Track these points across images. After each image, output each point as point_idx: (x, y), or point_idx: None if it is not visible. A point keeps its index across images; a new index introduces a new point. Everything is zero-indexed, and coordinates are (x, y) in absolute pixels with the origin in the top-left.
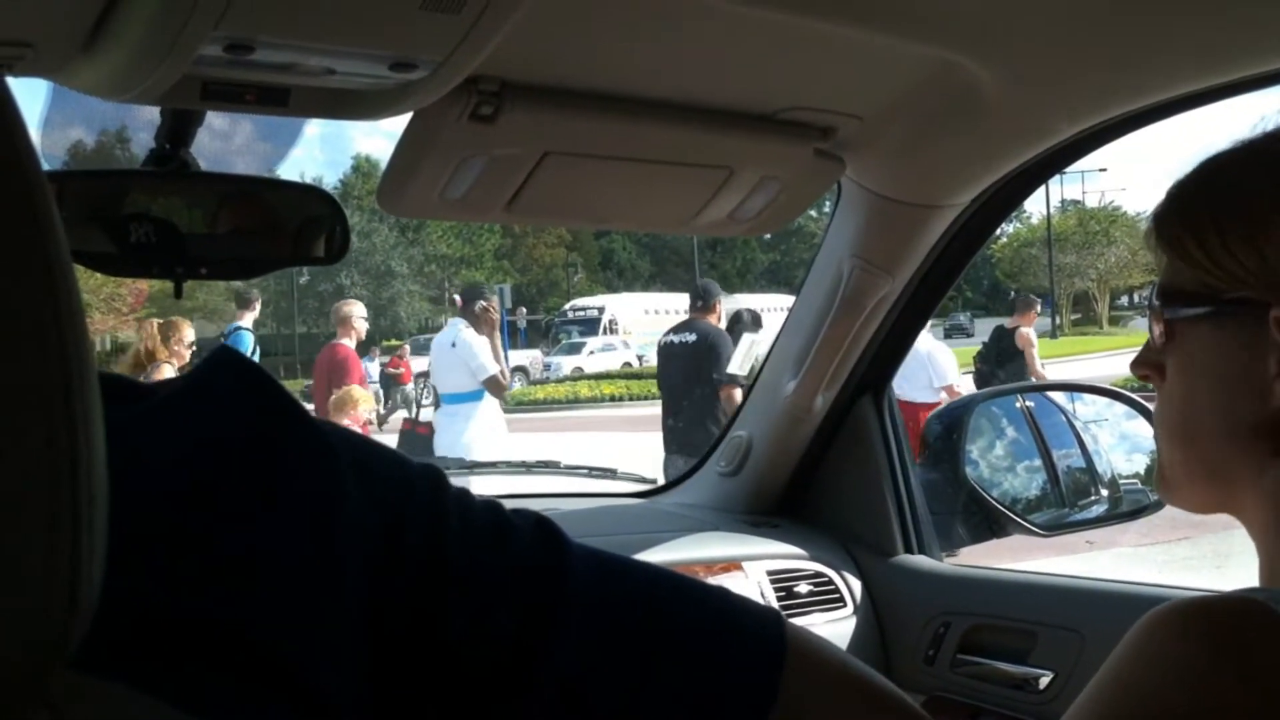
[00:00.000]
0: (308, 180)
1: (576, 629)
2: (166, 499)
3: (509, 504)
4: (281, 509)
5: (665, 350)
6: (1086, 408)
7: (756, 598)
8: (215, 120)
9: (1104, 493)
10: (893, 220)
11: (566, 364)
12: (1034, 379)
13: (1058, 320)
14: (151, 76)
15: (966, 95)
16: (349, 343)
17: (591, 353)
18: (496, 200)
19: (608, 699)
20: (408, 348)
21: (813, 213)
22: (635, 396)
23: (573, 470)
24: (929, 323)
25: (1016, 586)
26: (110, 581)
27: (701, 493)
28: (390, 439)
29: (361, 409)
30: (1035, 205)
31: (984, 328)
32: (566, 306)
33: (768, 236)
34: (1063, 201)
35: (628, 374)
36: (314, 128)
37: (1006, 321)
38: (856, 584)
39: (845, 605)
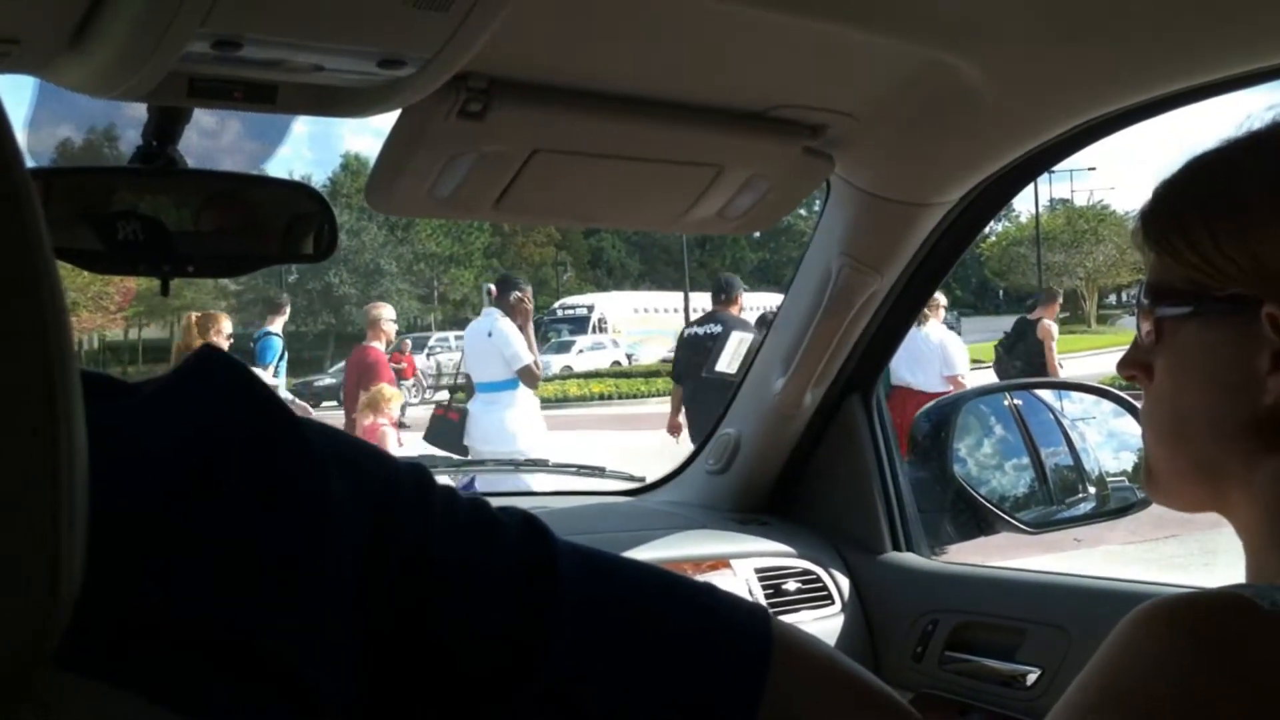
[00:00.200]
0: (297, 178)
1: (564, 627)
2: (155, 496)
3: (496, 502)
4: (272, 506)
5: (690, 341)
6: (1074, 405)
7: (745, 595)
8: (203, 118)
9: (1091, 490)
10: (881, 218)
11: (556, 362)
12: (1050, 373)
13: None
14: (138, 73)
15: (955, 93)
16: (379, 345)
17: (581, 351)
18: (485, 198)
19: (596, 697)
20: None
21: (802, 211)
22: (624, 395)
23: (561, 468)
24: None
25: (1004, 584)
26: (101, 579)
27: (690, 490)
28: (415, 429)
29: (393, 407)
30: (1024, 204)
31: (971, 326)
32: (556, 305)
33: (757, 235)
34: (1051, 200)
35: (617, 372)
36: (302, 125)
37: (1030, 313)
38: (845, 581)
39: (834, 603)
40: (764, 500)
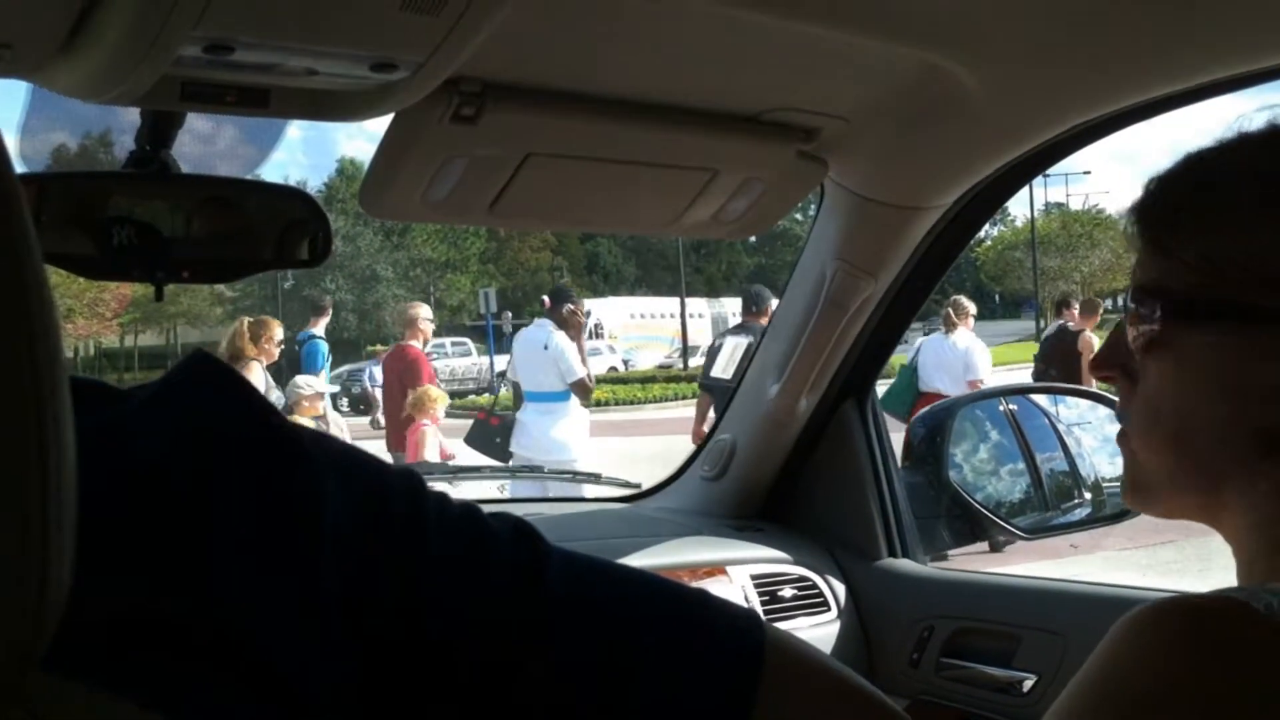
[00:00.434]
0: (292, 184)
1: (554, 632)
2: (144, 502)
3: (490, 509)
4: (262, 511)
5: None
6: (1069, 411)
7: (740, 602)
8: (197, 123)
9: (1087, 496)
10: (875, 222)
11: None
12: (1084, 384)
13: (1042, 323)
14: (130, 77)
15: (949, 97)
16: (417, 344)
17: None
18: (479, 202)
19: (586, 701)
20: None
21: (799, 216)
22: (620, 401)
23: (557, 475)
24: (911, 326)
25: (1000, 590)
26: (92, 584)
27: (685, 497)
28: (458, 429)
29: (439, 408)
30: (1019, 208)
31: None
32: None
33: (753, 239)
34: (1046, 204)
35: (613, 379)
36: (298, 130)
37: (1070, 323)
38: (840, 588)
39: (829, 609)
40: (759, 506)
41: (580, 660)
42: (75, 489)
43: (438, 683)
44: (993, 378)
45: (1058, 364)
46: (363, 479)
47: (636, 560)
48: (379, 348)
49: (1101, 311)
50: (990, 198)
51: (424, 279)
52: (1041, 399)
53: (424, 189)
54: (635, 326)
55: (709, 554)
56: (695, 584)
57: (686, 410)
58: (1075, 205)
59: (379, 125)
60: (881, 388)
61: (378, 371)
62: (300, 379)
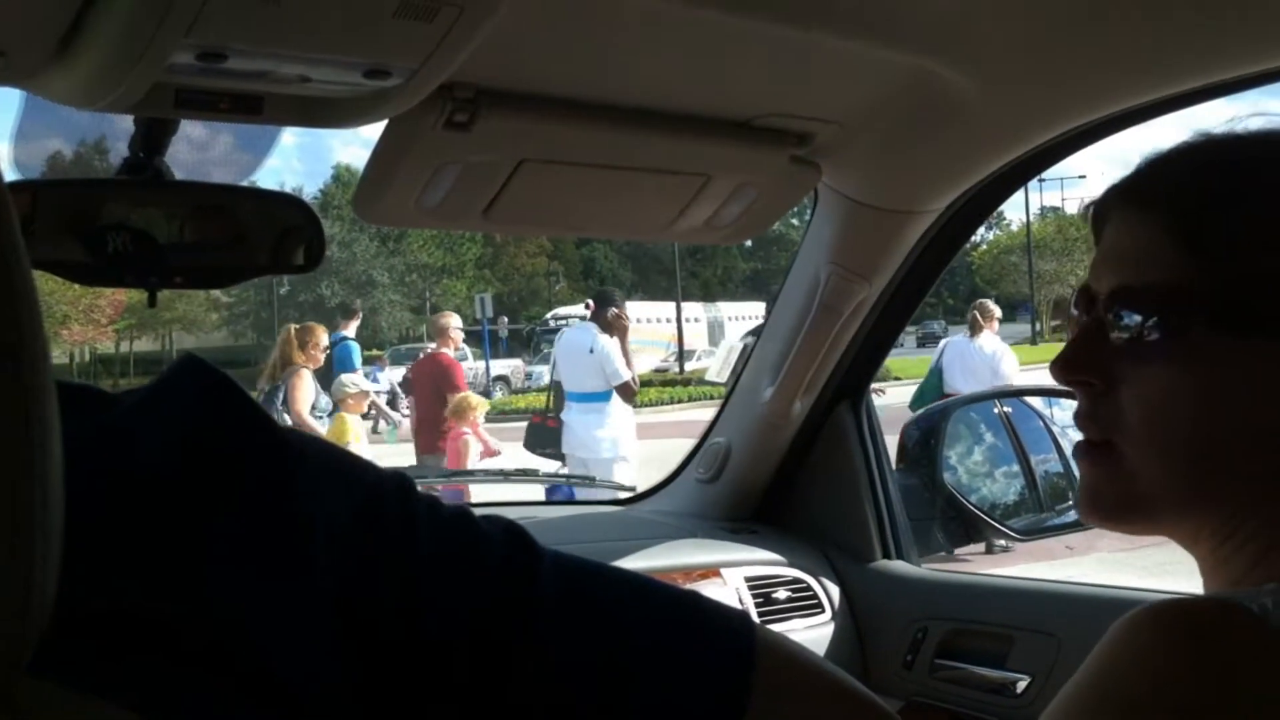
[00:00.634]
0: (287, 190)
1: (548, 633)
2: (136, 505)
3: (482, 512)
4: (256, 513)
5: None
6: (1064, 413)
7: (735, 604)
8: (192, 130)
9: None
10: (869, 226)
11: (548, 373)
12: None
13: (1038, 327)
14: (123, 85)
15: (942, 101)
16: (450, 351)
17: None
18: (473, 208)
19: (579, 703)
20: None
21: (794, 220)
22: None
23: (552, 478)
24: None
25: (994, 591)
26: (79, 589)
27: (680, 500)
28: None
29: (480, 414)
30: (1015, 212)
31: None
32: (548, 315)
33: (749, 244)
34: (1042, 208)
35: None
36: (292, 137)
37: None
38: (835, 590)
39: (824, 611)
40: (754, 509)
41: (575, 661)
42: (62, 495)
43: (436, 683)
44: (1019, 379)
45: None
46: (353, 481)
47: (631, 563)
48: (374, 353)
49: None
50: (984, 202)
51: (420, 284)
52: (1036, 401)
53: (418, 195)
54: (631, 331)
55: (703, 556)
56: (690, 586)
57: (682, 414)
58: (1071, 209)
59: (374, 131)
60: (912, 388)
61: (381, 376)
62: (345, 377)
